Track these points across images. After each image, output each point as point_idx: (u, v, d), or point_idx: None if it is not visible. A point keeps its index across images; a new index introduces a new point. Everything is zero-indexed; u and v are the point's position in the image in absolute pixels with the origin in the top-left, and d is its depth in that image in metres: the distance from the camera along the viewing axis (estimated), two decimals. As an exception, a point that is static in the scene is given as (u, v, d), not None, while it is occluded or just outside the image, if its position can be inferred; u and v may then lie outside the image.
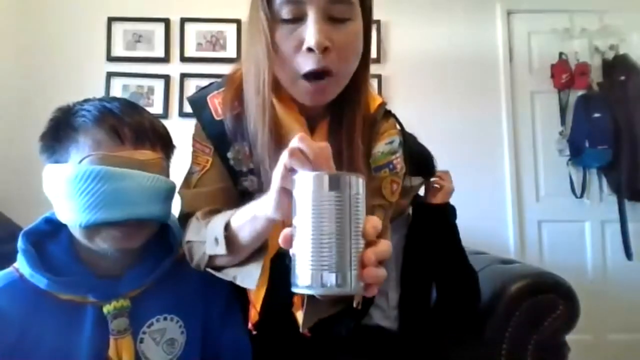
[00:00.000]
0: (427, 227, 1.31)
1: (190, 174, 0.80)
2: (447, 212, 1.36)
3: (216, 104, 0.78)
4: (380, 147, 0.81)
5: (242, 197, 0.77)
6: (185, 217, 0.77)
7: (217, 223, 0.66)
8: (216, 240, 0.65)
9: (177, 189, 0.80)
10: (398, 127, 0.87)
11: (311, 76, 0.66)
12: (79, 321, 0.70)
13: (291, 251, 0.47)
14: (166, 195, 0.75)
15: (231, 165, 0.77)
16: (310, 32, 0.63)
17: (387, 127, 0.84)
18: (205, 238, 0.68)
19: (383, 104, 0.83)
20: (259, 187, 0.75)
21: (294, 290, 0.47)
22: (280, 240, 0.48)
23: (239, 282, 0.68)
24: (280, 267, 0.75)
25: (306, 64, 0.65)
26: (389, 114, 0.86)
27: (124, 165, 0.68)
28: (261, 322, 0.74)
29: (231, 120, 0.75)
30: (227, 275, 0.70)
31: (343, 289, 0.44)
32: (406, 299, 1.25)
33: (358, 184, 0.47)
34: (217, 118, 0.77)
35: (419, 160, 1.34)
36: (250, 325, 0.74)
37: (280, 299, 0.72)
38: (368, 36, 0.72)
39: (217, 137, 0.77)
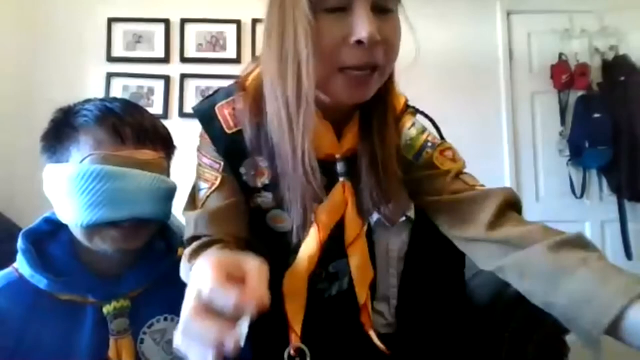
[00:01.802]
0: (430, 239, 1.31)
1: (197, 191, 0.72)
2: None
3: (226, 115, 0.70)
4: (407, 134, 0.76)
5: (255, 213, 0.73)
6: (189, 242, 0.69)
7: None
8: None
9: (182, 210, 0.74)
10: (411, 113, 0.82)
11: (355, 69, 0.60)
12: (79, 322, 0.70)
13: None
14: (167, 195, 0.75)
15: (244, 181, 0.71)
16: (361, 24, 0.57)
17: (406, 119, 0.79)
18: None
19: (407, 101, 0.79)
20: (274, 203, 0.71)
21: None
22: None
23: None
24: (318, 288, 0.73)
25: (353, 57, 0.58)
26: (408, 107, 0.82)
27: (125, 165, 0.68)
28: (314, 338, 0.68)
29: (252, 130, 0.67)
30: None
31: None
32: (405, 305, 1.24)
33: None
34: (228, 131, 0.69)
35: None
36: (292, 352, 0.67)
37: (322, 319, 0.69)
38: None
39: (228, 152, 0.70)
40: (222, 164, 0.70)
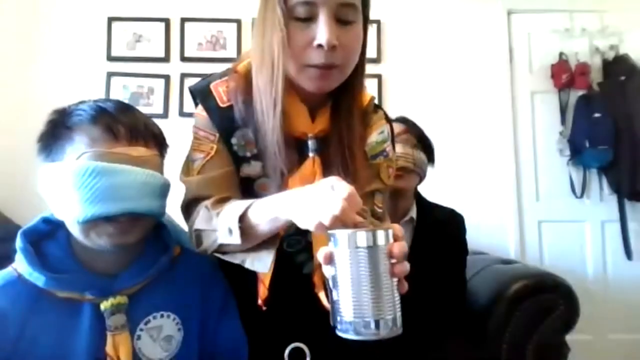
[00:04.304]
0: (432, 241, 1.31)
1: (191, 161, 0.82)
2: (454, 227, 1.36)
3: (220, 91, 0.82)
4: (374, 137, 0.90)
5: (245, 183, 0.81)
6: (190, 204, 0.79)
7: (231, 213, 0.69)
8: (230, 230, 0.68)
9: (179, 177, 0.83)
10: (384, 119, 0.95)
11: (317, 66, 0.73)
12: (77, 318, 0.70)
13: (332, 295, 0.54)
14: (160, 191, 0.76)
15: (235, 151, 0.80)
16: (321, 31, 0.70)
17: (377, 119, 0.92)
18: (217, 227, 0.71)
19: (373, 98, 0.91)
20: (262, 172, 0.80)
21: (338, 333, 0.53)
22: (322, 259, 0.54)
23: (248, 266, 0.71)
24: (286, 244, 0.81)
25: (315, 58, 0.72)
26: (377, 108, 0.95)
27: (118, 161, 0.69)
28: (271, 298, 0.75)
29: (242, 104, 0.79)
30: (234, 258, 0.73)
31: (381, 333, 0.51)
32: (407, 304, 1.24)
33: (388, 236, 0.53)
34: (222, 105, 0.81)
35: (424, 146, 1.37)
36: (260, 302, 0.75)
37: (289, 274, 0.77)
38: (365, 37, 0.81)
39: (222, 123, 0.80)
40: (217, 135, 0.80)
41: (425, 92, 2.48)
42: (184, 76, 2.44)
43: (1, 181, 2.25)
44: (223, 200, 0.75)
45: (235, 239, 0.67)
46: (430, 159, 1.42)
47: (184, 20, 2.48)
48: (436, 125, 2.40)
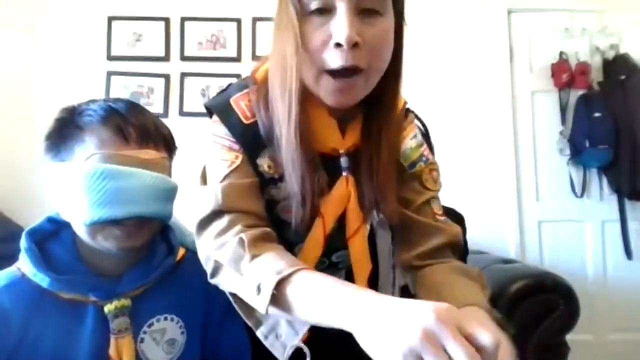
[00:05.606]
0: None
1: (211, 172, 0.72)
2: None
3: (243, 106, 0.72)
4: (408, 143, 0.79)
5: (267, 204, 0.73)
6: (210, 218, 0.68)
7: (269, 269, 0.57)
8: (258, 289, 0.56)
9: (196, 188, 0.75)
10: (416, 120, 0.85)
11: (338, 73, 0.62)
12: (80, 320, 0.70)
13: None
14: (169, 194, 0.75)
15: (260, 172, 0.71)
16: (339, 27, 0.59)
17: (407, 124, 0.82)
18: (245, 275, 0.60)
19: (406, 103, 0.81)
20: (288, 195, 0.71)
21: None
22: None
23: (259, 334, 0.63)
24: (314, 266, 0.72)
25: (334, 60, 0.61)
26: (408, 111, 0.84)
27: (128, 164, 0.68)
28: (313, 338, 0.66)
29: (264, 117, 0.69)
30: (249, 318, 0.64)
31: None
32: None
33: None
34: (246, 122, 0.71)
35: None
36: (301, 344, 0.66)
37: None
38: (400, 33, 0.69)
39: (246, 141, 0.71)
40: (241, 147, 0.71)
41: (425, 91, 2.47)
42: (184, 75, 2.44)
43: (1, 181, 2.25)
44: (265, 239, 0.65)
45: (261, 305, 0.56)
46: None
47: (184, 20, 2.47)
48: (436, 124, 2.39)
